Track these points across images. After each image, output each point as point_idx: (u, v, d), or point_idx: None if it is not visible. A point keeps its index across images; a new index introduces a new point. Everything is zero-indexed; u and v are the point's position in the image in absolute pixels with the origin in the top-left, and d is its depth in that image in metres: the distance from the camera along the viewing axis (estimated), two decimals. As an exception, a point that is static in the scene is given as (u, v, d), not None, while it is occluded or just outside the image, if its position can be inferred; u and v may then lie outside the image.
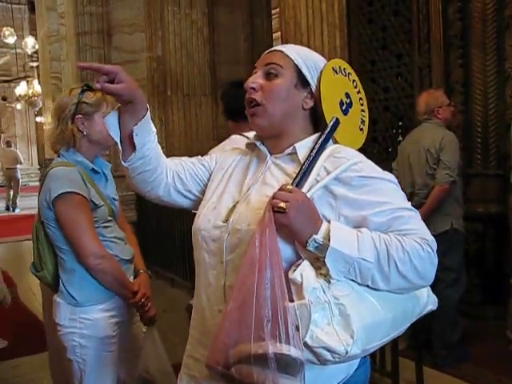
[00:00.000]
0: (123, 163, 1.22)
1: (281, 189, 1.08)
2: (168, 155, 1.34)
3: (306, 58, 1.23)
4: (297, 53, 1.24)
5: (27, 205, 11.62)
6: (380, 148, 4.70)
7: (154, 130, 1.23)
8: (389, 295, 1.08)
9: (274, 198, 1.07)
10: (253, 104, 1.22)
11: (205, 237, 1.22)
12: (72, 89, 1.97)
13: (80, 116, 1.90)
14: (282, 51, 1.24)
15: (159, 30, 5.69)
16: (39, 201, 1.89)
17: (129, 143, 1.19)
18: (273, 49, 1.27)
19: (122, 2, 6.20)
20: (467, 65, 3.90)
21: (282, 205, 1.04)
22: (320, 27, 4.28)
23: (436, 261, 1.09)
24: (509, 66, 3.72)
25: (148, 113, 1.19)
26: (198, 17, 5.69)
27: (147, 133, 1.20)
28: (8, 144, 13.31)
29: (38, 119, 14.93)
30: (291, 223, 1.05)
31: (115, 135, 1.19)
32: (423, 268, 1.07)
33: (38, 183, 12.03)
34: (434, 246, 1.09)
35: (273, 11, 6.53)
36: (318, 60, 1.26)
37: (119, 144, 1.20)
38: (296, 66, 1.22)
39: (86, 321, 1.86)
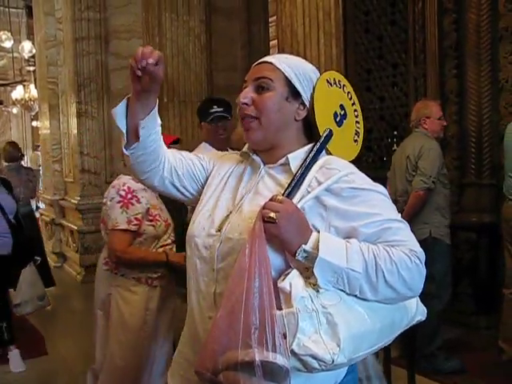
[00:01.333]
0: (125, 151, 1.22)
1: (271, 199, 1.09)
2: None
3: (296, 68, 1.23)
4: (287, 64, 1.23)
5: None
6: (375, 157, 4.72)
7: (160, 122, 1.23)
8: (377, 305, 1.09)
9: (264, 208, 1.08)
10: (247, 118, 1.22)
11: (198, 244, 1.23)
12: None
13: None
14: (271, 63, 1.23)
15: (156, 36, 5.68)
16: None
17: (135, 133, 1.19)
18: (262, 60, 1.26)
19: (120, 8, 6.22)
20: (462, 75, 3.93)
21: (272, 215, 1.06)
22: (316, 36, 4.29)
23: (424, 272, 1.10)
24: (503, 76, 3.76)
25: (156, 106, 1.19)
26: (196, 24, 5.68)
27: (153, 125, 1.20)
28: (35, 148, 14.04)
29: (34, 124, 14.91)
30: (281, 233, 1.06)
31: (122, 125, 1.19)
32: (411, 279, 1.08)
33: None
34: (423, 257, 1.10)
35: (270, 19, 6.54)
36: (309, 70, 1.25)
37: (125, 134, 1.20)
38: (286, 78, 1.21)
39: None
